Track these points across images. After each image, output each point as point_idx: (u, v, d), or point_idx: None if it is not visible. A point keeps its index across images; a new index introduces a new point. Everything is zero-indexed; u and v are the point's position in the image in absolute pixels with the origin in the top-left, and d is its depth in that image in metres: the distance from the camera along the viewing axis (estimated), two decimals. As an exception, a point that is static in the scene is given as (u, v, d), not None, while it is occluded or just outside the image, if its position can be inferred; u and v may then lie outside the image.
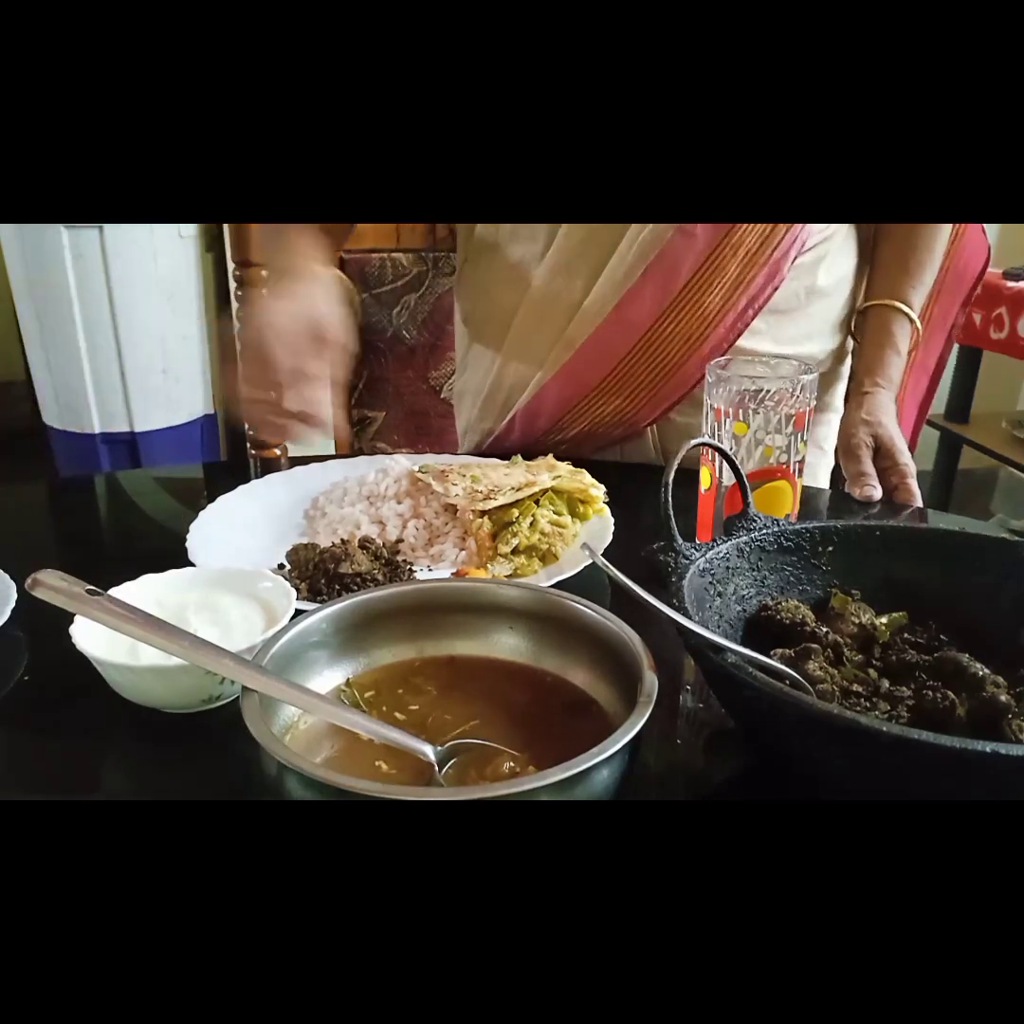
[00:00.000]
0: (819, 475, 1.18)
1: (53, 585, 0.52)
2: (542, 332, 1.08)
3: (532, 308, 1.08)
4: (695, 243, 1.00)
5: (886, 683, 0.56)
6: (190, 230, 2.58)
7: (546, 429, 1.12)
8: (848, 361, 1.15)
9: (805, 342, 1.09)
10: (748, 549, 0.63)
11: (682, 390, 1.05)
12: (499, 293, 1.11)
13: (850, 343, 1.14)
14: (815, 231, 1.04)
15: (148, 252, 2.49)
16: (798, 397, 0.76)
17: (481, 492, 0.85)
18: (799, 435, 0.78)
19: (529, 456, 0.97)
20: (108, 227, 2.40)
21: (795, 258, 1.02)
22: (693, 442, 0.63)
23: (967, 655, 0.56)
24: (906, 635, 0.62)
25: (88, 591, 0.52)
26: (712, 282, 1.00)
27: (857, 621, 0.61)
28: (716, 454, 0.78)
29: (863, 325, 1.09)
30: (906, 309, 1.06)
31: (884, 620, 0.62)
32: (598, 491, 0.89)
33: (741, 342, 1.04)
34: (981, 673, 0.54)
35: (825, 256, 1.07)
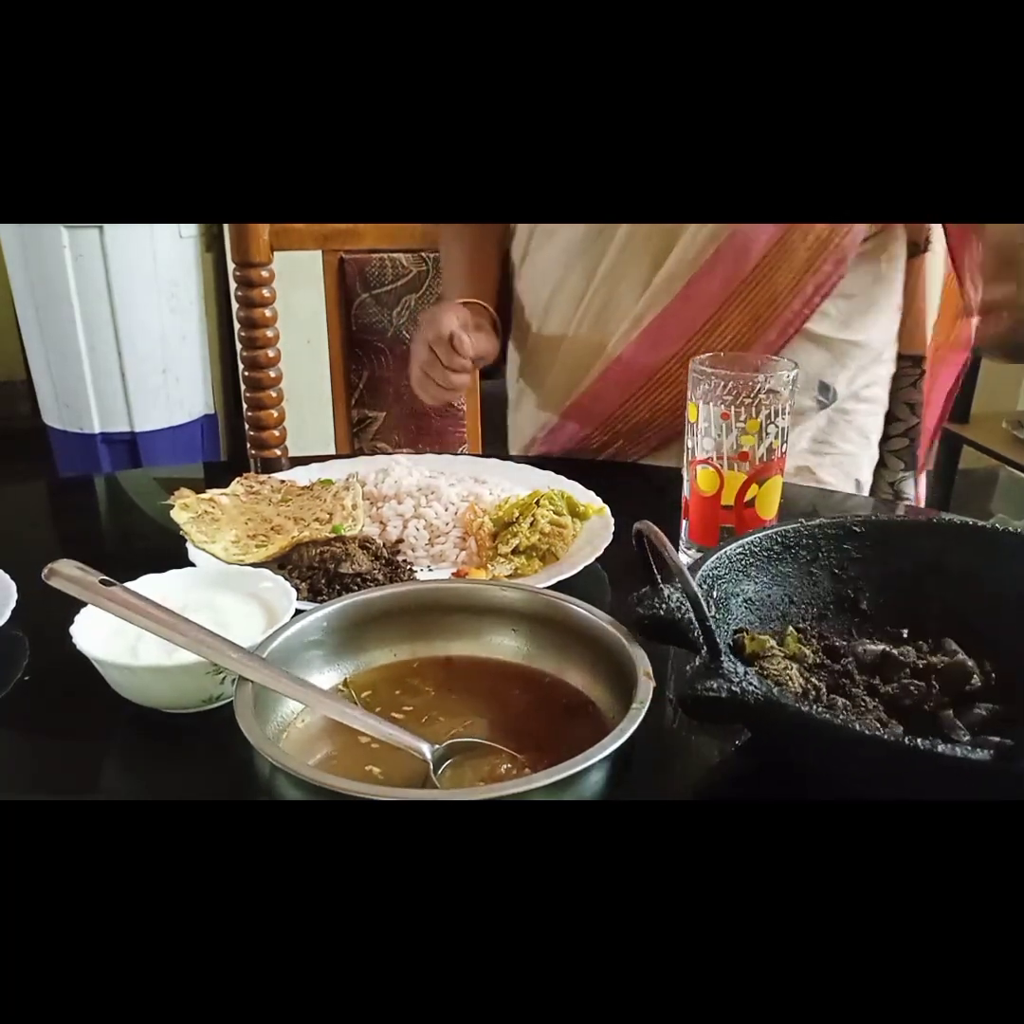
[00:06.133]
0: (862, 465, 1.18)
1: (68, 575, 0.53)
2: (610, 312, 1.09)
3: (600, 289, 1.09)
4: (767, 226, 1.01)
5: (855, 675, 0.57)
6: (190, 230, 2.59)
7: (608, 415, 1.12)
8: (893, 351, 1.16)
9: (871, 328, 1.10)
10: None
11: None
12: (566, 278, 1.12)
13: (895, 329, 1.14)
14: None
15: (148, 252, 2.49)
16: (780, 393, 0.76)
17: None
18: (782, 431, 0.77)
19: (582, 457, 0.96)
20: (108, 227, 2.40)
21: (859, 247, 1.04)
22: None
23: (901, 648, 0.58)
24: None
25: (102, 581, 0.54)
26: (781, 265, 1.02)
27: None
28: (719, 458, 0.78)
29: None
30: None
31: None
32: (592, 500, 0.90)
33: (810, 326, 1.06)
34: (904, 657, 0.57)
35: (888, 244, 1.09)
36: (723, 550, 0.61)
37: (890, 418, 1.20)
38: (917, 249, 1.12)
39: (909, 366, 1.17)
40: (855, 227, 1.03)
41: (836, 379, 1.11)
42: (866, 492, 1.19)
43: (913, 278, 1.13)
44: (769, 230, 1.02)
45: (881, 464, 1.23)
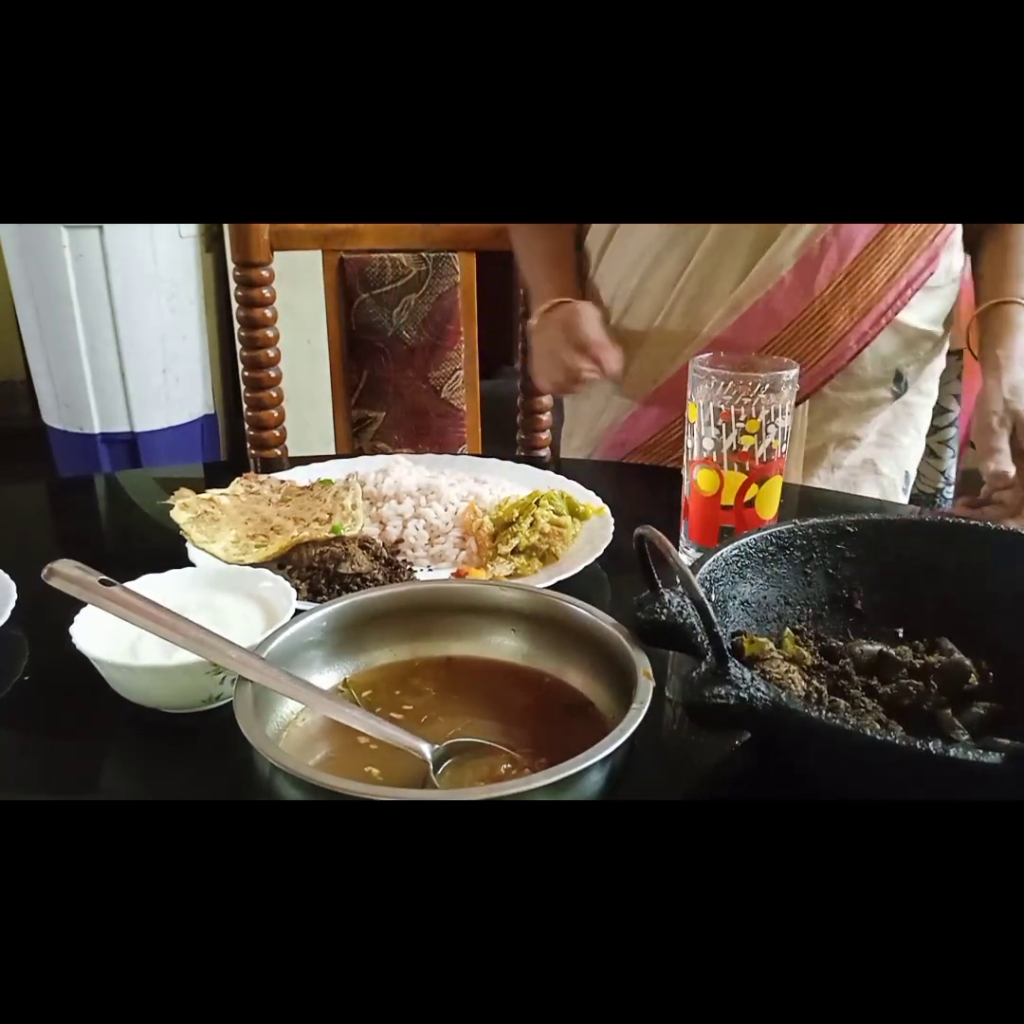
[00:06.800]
0: (912, 457, 1.21)
1: (68, 575, 0.53)
2: (704, 297, 1.09)
3: (694, 274, 1.09)
4: None
5: (854, 676, 0.57)
6: (190, 230, 2.59)
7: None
8: (945, 351, 1.19)
9: (937, 322, 1.13)
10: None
11: (839, 364, 1.08)
12: (658, 264, 1.12)
13: (950, 334, 1.17)
14: None
15: (148, 252, 2.49)
16: (780, 393, 0.76)
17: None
18: (782, 431, 0.77)
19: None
20: (108, 227, 2.40)
21: (948, 245, 1.08)
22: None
23: (898, 648, 0.58)
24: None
25: (102, 581, 0.54)
26: (879, 258, 1.05)
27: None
28: (719, 458, 0.78)
29: (984, 326, 1.08)
30: (1021, 300, 1.05)
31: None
32: (592, 500, 0.91)
33: (898, 316, 1.08)
34: (900, 658, 0.57)
35: (955, 242, 1.11)
36: (719, 552, 0.61)
37: (939, 410, 1.22)
38: (968, 247, 1.14)
39: (954, 359, 1.19)
40: (947, 227, 1.06)
41: (908, 369, 1.13)
42: (912, 483, 1.23)
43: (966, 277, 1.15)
44: (869, 224, 1.04)
45: (931, 453, 1.25)
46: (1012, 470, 0.95)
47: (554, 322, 1.10)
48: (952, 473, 1.32)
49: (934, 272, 1.07)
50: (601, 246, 1.19)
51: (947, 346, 1.18)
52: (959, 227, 1.10)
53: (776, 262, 1.06)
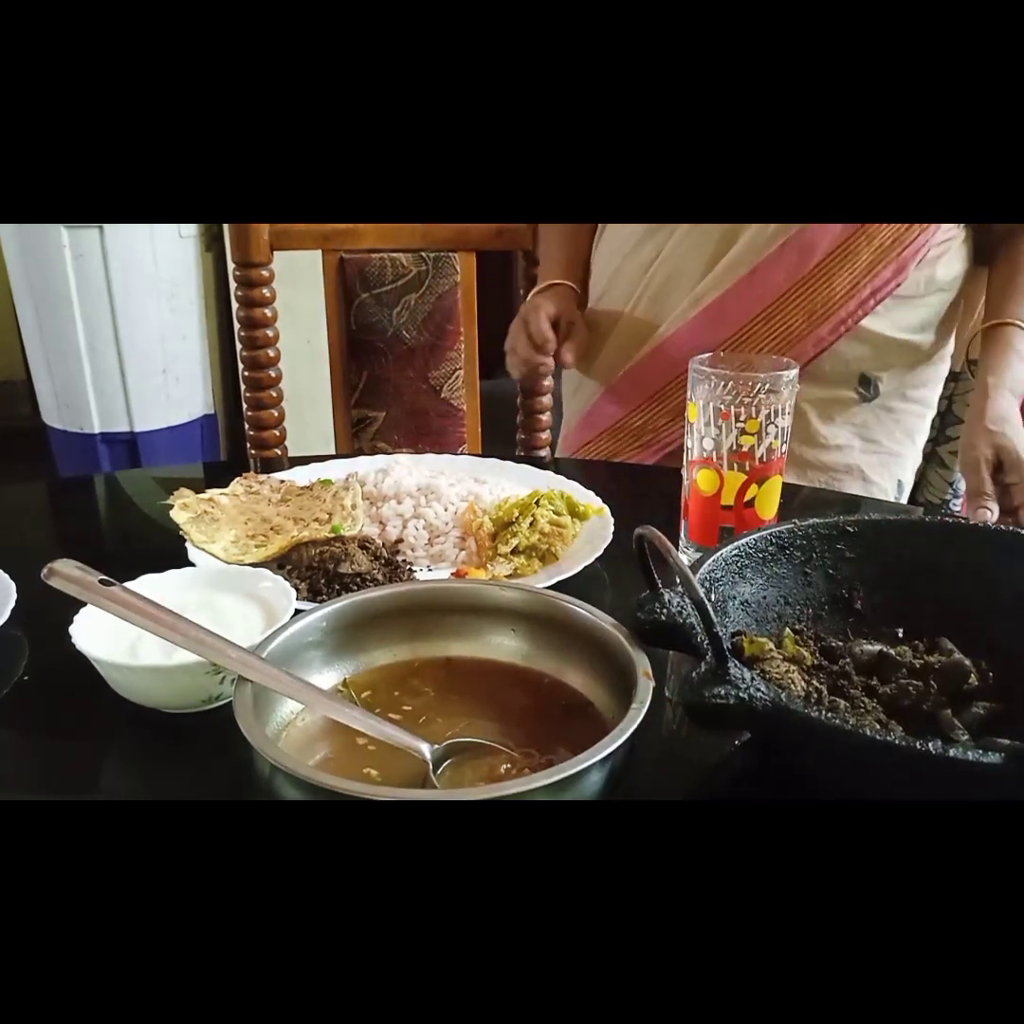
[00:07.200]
0: (906, 466, 1.21)
1: (68, 574, 0.53)
2: (670, 289, 1.12)
3: (667, 263, 1.12)
4: (833, 226, 1.04)
5: (854, 676, 0.57)
6: (190, 230, 2.59)
7: (649, 395, 1.14)
8: (946, 363, 1.18)
9: (920, 331, 1.12)
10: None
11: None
12: (637, 250, 1.15)
13: (950, 346, 1.16)
14: (941, 233, 1.08)
15: (148, 252, 2.49)
16: (780, 393, 0.76)
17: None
18: (782, 431, 0.77)
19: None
20: (108, 227, 2.40)
21: (921, 258, 1.07)
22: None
23: (898, 648, 0.58)
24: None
25: (101, 581, 0.54)
26: (844, 265, 1.05)
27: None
28: (719, 458, 0.78)
29: (982, 346, 1.08)
30: (1021, 323, 1.05)
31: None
32: (592, 500, 0.91)
33: (862, 321, 1.08)
34: (900, 658, 0.57)
35: (945, 253, 1.10)
36: (719, 552, 0.61)
37: (953, 420, 1.22)
38: (983, 257, 1.13)
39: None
40: (919, 238, 1.05)
41: (880, 375, 1.12)
42: (907, 492, 1.22)
43: (976, 287, 1.14)
44: (835, 231, 1.04)
45: (941, 463, 1.25)
46: (993, 515, 0.94)
47: (528, 305, 1.16)
48: (961, 486, 1.32)
49: (901, 283, 1.06)
50: (600, 228, 1.23)
51: (943, 354, 1.17)
52: (942, 237, 1.08)
53: (737, 260, 1.07)
